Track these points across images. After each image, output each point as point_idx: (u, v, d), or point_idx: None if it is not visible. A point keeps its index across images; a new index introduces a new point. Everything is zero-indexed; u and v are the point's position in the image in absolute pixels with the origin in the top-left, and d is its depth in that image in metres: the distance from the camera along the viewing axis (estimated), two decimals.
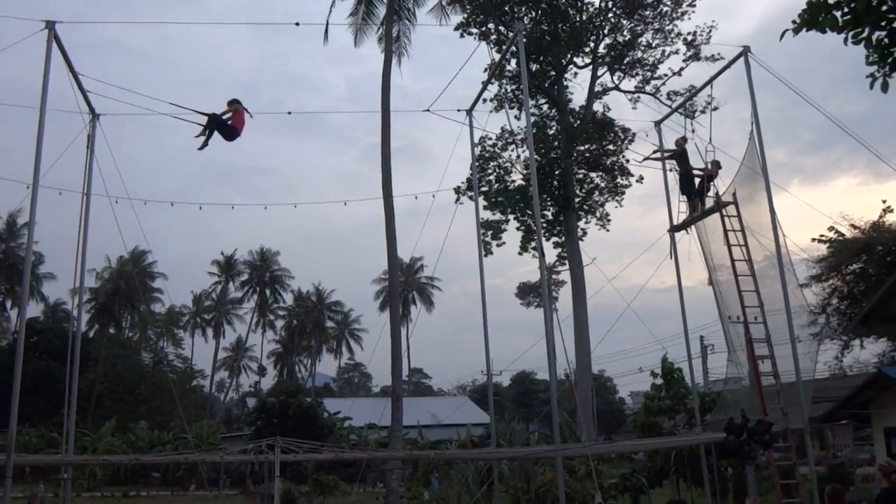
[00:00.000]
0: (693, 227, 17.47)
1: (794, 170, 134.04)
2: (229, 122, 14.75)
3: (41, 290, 66.21)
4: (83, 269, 18.75)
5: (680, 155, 17.49)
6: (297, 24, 17.72)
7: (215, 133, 14.77)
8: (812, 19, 4.65)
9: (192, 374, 69.80)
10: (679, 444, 18.88)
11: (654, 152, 19.28)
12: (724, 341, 17.65)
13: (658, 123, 19.53)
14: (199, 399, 70.28)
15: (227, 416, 76.75)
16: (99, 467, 35.80)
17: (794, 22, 4.75)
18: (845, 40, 4.66)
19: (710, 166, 16.93)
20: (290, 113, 19.71)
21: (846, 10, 4.59)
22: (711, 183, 16.87)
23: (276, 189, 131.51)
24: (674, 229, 18.02)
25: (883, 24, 4.53)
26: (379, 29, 25.67)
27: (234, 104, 14.86)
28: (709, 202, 16.61)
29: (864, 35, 4.63)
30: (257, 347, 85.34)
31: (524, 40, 16.44)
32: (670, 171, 18.34)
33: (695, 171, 17.30)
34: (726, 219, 15.56)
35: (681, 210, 17.63)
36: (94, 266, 63.55)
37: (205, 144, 14.77)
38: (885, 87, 4.96)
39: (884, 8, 4.48)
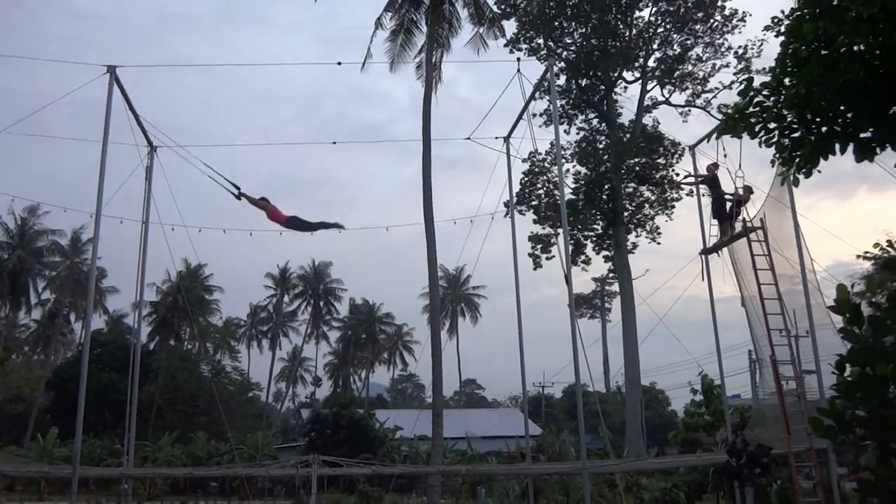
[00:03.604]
0: (724, 249, 17.83)
1: (862, 177, 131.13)
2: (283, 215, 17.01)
3: (104, 304, 68.20)
4: (142, 289, 20.03)
5: (711, 180, 17.91)
6: (339, 63, 18.78)
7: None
8: (730, 128, 5.39)
9: (248, 386, 71.29)
10: (689, 463, 19.27)
11: (686, 177, 19.75)
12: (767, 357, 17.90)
13: (692, 147, 19.93)
14: (255, 410, 71.82)
15: (284, 427, 78.18)
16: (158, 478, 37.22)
17: (715, 129, 5.45)
18: (759, 144, 5.34)
19: (740, 191, 17.29)
20: (335, 143, 20.81)
21: (760, 118, 5.26)
22: (742, 207, 17.24)
23: (338, 201, 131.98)
24: (705, 252, 18.42)
25: (787, 132, 5.20)
26: (417, 56, 26.45)
27: (263, 200, 16.83)
28: (738, 226, 16.99)
29: (775, 140, 5.31)
30: (313, 359, 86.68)
31: (556, 73, 17.11)
32: (703, 195, 18.76)
33: (726, 196, 17.68)
34: (753, 244, 15.92)
35: (712, 234, 18.03)
36: (153, 280, 65.38)
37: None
38: (796, 183, 5.66)
39: (789, 118, 5.15)
